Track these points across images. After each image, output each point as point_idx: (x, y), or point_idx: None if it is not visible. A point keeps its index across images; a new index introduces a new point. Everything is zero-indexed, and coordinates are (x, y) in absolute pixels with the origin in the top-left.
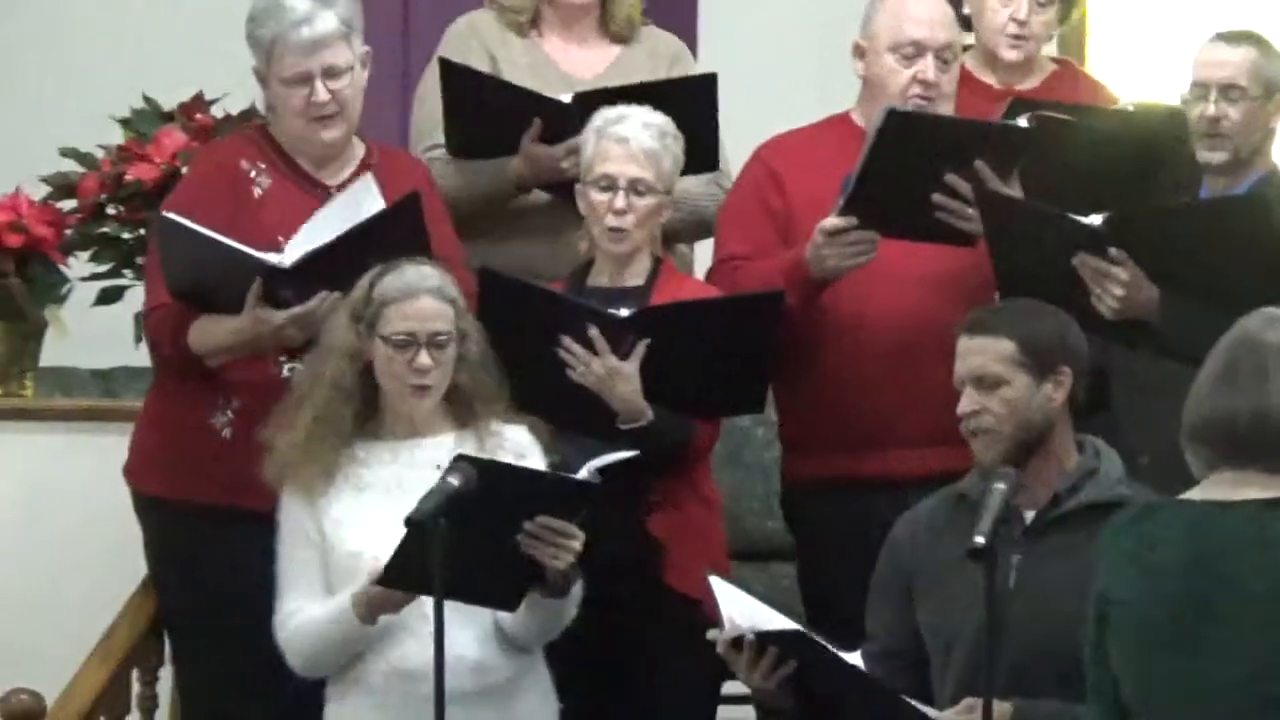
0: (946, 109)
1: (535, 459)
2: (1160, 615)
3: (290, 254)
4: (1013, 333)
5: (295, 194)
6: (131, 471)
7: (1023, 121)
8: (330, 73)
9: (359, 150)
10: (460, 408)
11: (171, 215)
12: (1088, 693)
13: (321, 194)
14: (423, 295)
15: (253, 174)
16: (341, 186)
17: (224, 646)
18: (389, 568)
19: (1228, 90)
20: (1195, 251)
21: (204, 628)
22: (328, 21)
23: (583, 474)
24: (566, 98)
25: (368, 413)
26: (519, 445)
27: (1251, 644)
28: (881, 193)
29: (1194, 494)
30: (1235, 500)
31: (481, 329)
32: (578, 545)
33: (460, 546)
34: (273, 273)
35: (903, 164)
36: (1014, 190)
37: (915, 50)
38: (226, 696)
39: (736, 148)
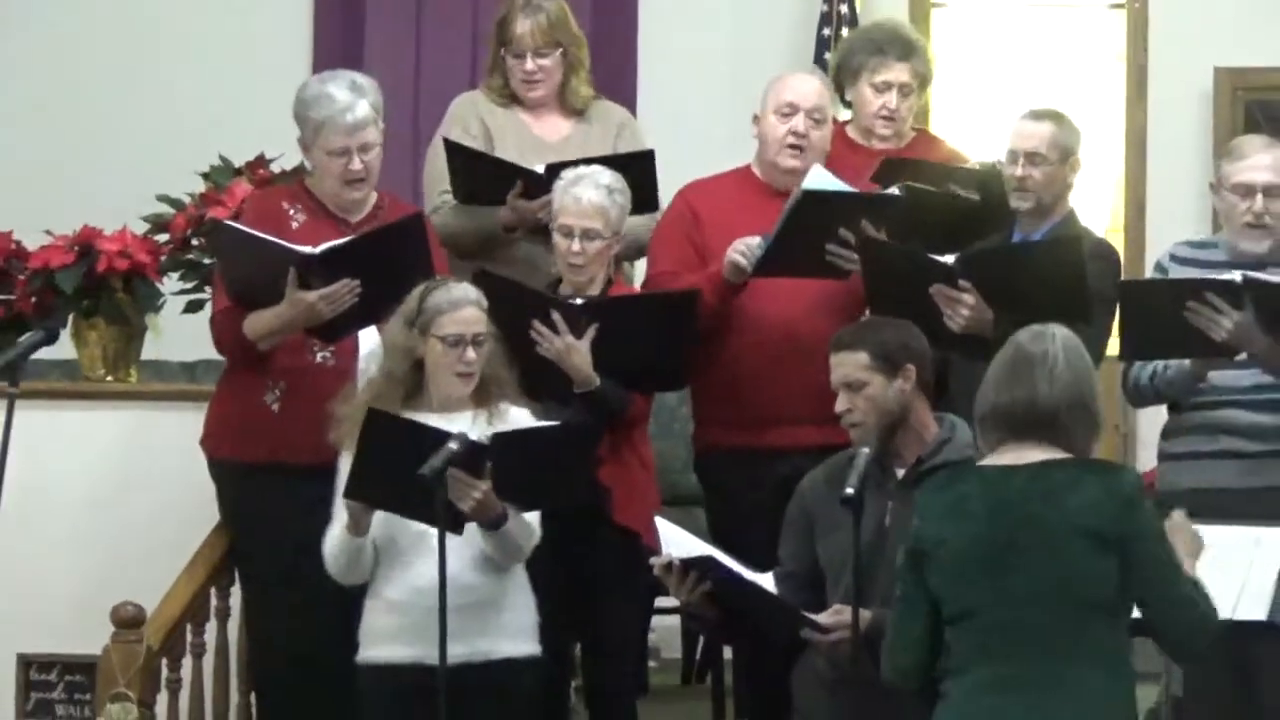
0: (817, 159)
1: None
2: (975, 549)
3: (319, 249)
4: (865, 345)
5: (323, 226)
6: (206, 440)
7: (895, 190)
8: (364, 148)
9: (373, 198)
10: (480, 391)
11: (224, 220)
12: (900, 609)
13: (344, 227)
14: (466, 306)
15: (291, 212)
16: (360, 224)
17: (277, 575)
18: (349, 484)
19: (1032, 156)
20: (1022, 280)
21: (264, 560)
22: (364, 109)
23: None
24: (540, 168)
25: (412, 393)
26: (518, 422)
27: (1048, 565)
28: (791, 245)
29: (986, 461)
30: (1022, 464)
31: (497, 331)
32: (477, 494)
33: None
34: (304, 260)
35: (806, 225)
36: (881, 237)
37: (791, 109)
38: (284, 612)
39: (669, 180)
